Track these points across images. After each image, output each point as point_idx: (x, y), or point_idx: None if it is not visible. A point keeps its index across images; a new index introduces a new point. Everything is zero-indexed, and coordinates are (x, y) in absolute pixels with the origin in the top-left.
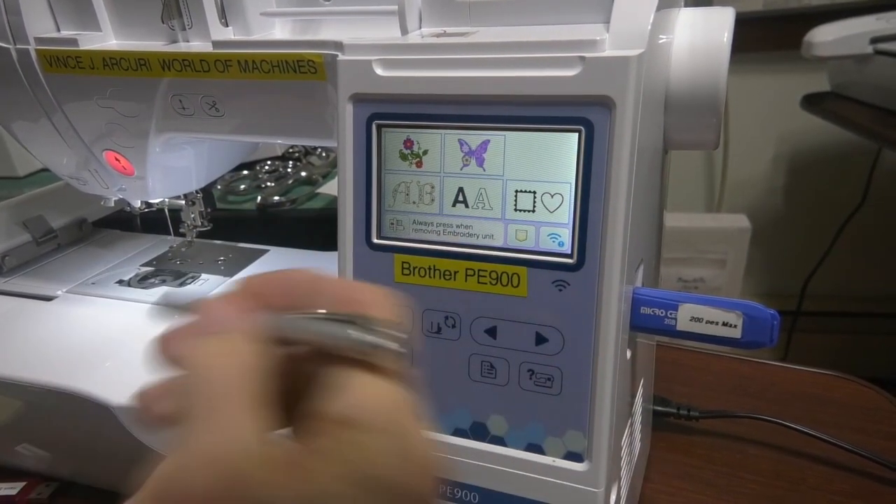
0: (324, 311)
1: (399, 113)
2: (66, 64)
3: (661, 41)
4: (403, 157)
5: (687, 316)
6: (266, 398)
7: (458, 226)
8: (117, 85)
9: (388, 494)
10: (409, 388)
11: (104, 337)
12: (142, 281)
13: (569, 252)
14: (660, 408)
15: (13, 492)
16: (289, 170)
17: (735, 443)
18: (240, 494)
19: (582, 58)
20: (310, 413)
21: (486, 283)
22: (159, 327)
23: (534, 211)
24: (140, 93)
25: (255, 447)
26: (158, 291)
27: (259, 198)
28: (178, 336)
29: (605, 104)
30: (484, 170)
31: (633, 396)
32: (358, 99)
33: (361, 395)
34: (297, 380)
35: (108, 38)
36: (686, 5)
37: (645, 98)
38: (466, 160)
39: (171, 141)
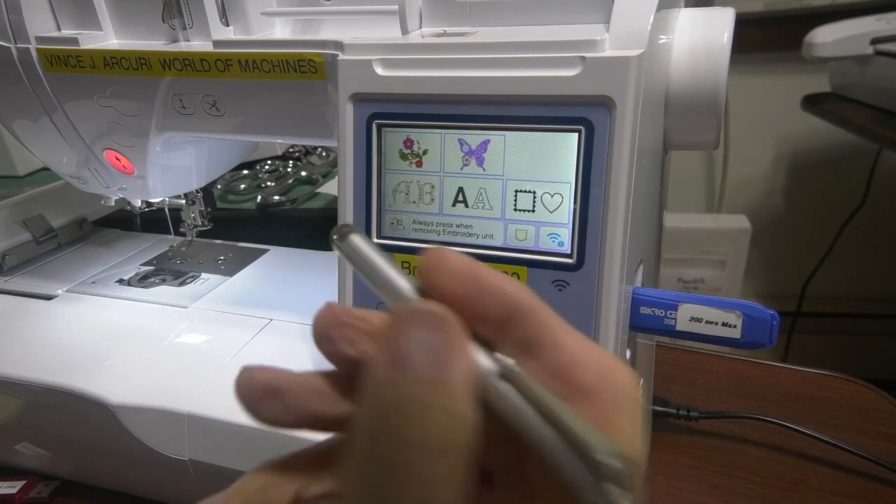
0: (557, 400)
1: (399, 113)
2: (67, 63)
3: (661, 41)
4: (403, 156)
5: (686, 316)
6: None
7: (457, 225)
8: (118, 84)
9: None
10: None
11: (104, 336)
12: (142, 280)
13: (569, 252)
14: (660, 408)
15: (13, 490)
16: (289, 169)
17: (735, 443)
18: None
19: (582, 58)
20: None
21: None
22: (169, 325)
23: (534, 211)
24: (140, 92)
25: None
26: (159, 291)
27: (259, 197)
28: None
29: (605, 104)
30: (484, 170)
31: None
32: (358, 98)
33: None
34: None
35: (108, 38)
36: (686, 6)
37: (645, 98)
38: (466, 160)
39: (172, 140)
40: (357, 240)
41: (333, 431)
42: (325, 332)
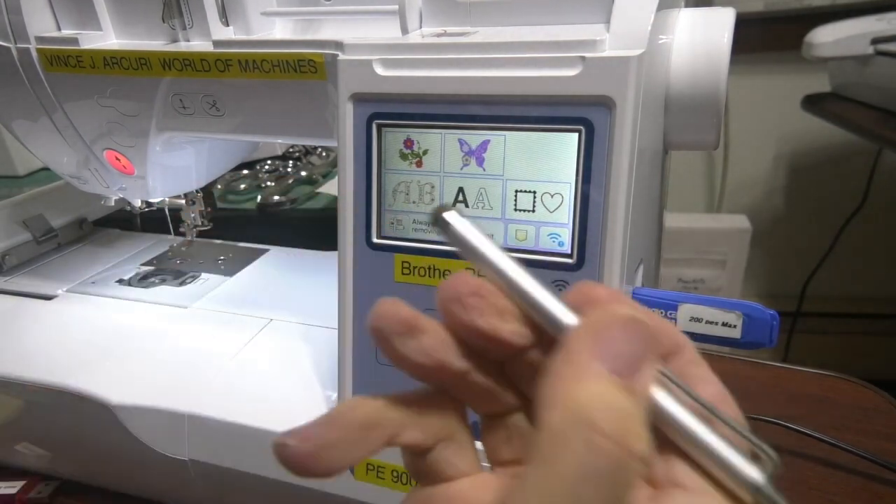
0: (707, 405)
1: (399, 112)
2: (67, 63)
3: (661, 41)
4: (403, 156)
5: (686, 316)
6: None
7: None
8: (118, 84)
9: None
10: None
11: (104, 336)
12: (142, 280)
13: (569, 252)
14: None
15: (13, 490)
16: (289, 169)
17: None
18: None
19: (582, 58)
20: None
21: None
22: (169, 325)
23: (534, 211)
24: (140, 92)
25: None
26: (159, 291)
27: (259, 197)
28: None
29: (605, 104)
30: (484, 170)
31: None
32: (358, 98)
33: None
34: None
35: (108, 38)
36: (686, 6)
37: (645, 98)
38: (466, 160)
39: (172, 140)
40: (457, 227)
41: (448, 385)
42: (459, 298)
